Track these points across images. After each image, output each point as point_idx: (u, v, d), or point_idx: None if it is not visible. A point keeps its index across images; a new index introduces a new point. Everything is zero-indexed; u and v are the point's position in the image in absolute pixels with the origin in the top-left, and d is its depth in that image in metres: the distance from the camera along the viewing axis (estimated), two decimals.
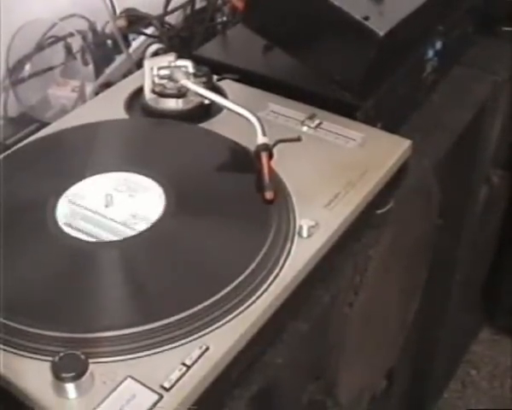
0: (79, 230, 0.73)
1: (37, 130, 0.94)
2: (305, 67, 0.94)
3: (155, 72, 0.92)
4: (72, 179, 0.78)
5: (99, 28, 1.16)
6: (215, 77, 0.96)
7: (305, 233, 0.73)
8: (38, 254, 0.71)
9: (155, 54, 0.96)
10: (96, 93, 1.05)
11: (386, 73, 0.94)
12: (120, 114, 0.93)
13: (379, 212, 0.85)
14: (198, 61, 0.97)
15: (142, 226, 0.73)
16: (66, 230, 0.72)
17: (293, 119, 0.90)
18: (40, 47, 1.09)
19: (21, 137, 1.01)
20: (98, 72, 1.11)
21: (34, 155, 0.85)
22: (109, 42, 1.15)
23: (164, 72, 0.92)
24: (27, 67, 1.09)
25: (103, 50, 1.15)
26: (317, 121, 0.89)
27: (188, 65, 0.92)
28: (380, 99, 0.94)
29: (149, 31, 1.16)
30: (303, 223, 0.73)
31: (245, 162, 0.80)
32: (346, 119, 0.90)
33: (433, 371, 1.56)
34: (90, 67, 1.10)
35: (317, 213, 0.76)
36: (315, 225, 0.74)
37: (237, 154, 0.83)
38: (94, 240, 0.72)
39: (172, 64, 0.92)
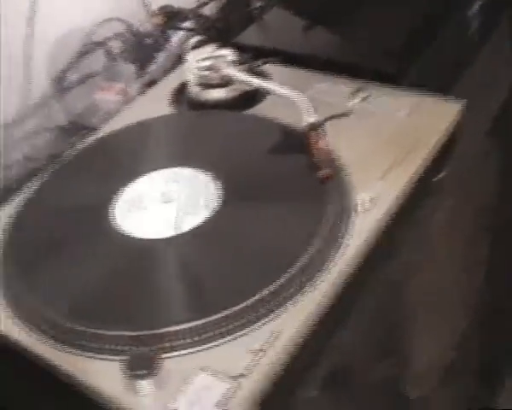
0: (139, 228, 0.73)
1: (87, 136, 0.95)
2: (346, 41, 0.93)
3: (197, 64, 0.92)
4: (126, 180, 0.79)
5: (137, 29, 1.15)
6: (257, 62, 0.95)
7: (363, 208, 0.72)
8: (100, 256, 0.72)
9: (195, 46, 0.96)
10: (141, 93, 1.05)
11: (429, 35, 0.92)
12: (166, 110, 0.93)
13: (435, 179, 0.83)
14: (238, 49, 0.96)
15: (200, 218, 0.72)
16: (126, 230, 0.72)
17: (339, 95, 0.89)
18: (81, 54, 1.10)
19: (72, 145, 1.02)
20: (140, 71, 1.11)
21: (87, 159, 0.85)
22: (148, 41, 1.15)
23: (206, 63, 0.92)
24: (70, 76, 1.09)
25: (143, 50, 1.15)
26: (363, 94, 0.88)
27: (229, 53, 0.92)
28: (425, 63, 0.92)
29: (186, 25, 1.15)
30: (360, 197, 0.73)
31: (297, 143, 0.79)
32: (392, 88, 0.89)
33: (505, 342, 1.53)
34: (132, 67, 1.10)
35: (373, 186, 0.74)
36: (372, 198, 0.73)
37: (288, 136, 0.82)
38: (155, 237, 0.71)
39: (213, 54, 0.92)
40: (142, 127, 0.88)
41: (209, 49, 0.92)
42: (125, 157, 0.84)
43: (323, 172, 0.73)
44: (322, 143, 0.75)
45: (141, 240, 0.72)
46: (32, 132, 1.07)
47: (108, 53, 1.12)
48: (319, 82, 0.92)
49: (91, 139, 0.90)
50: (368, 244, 0.71)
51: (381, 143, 0.80)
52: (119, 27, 1.15)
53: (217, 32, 1.16)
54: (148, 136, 0.87)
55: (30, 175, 0.94)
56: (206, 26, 1.16)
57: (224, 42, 1.03)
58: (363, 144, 0.80)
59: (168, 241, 0.71)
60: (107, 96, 1.09)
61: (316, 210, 0.72)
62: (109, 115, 1.04)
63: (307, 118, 0.77)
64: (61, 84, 1.09)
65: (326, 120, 0.77)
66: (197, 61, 0.92)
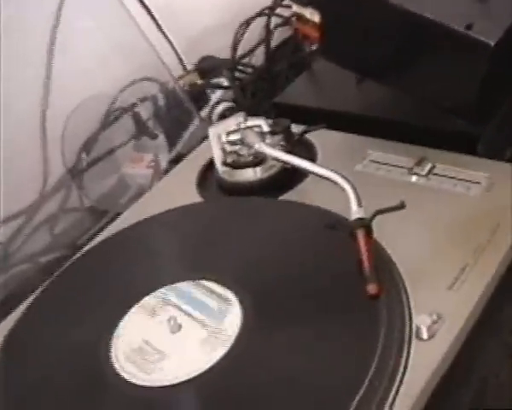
0: (144, 371, 0.57)
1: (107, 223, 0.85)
2: (406, 99, 0.76)
3: (224, 139, 0.76)
4: (130, 301, 0.64)
5: (170, 89, 1.01)
6: (299, 128, 0.79)
7: (424, 334, 0.55)
8: None
9: (223, 115, 0.81)
10: (168, 166, 0.90)
11: (505, 87, 0.74)
12: (193, 194, 0.78)
13: None
14: (281, 110, 0.81)
15: (218, 352, 0.57)
16: (129, 375, 0.57)
17: (398, 167, 0.73)
18: (105, 124, 0.96)
19: (95, 233, 0.89)
20: (174, 138, 0.97)
21: (85, 270, 0.71)
22: (183, 102, 1.00)
23: (234, 137, 0.76)
24: (93, 151, 0.96)
25: (179, 112, 1.00)
26: (428, 166, 0.71)
27: (261, 123, 0.76)
28: (503, 122, 0.74)
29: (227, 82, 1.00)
30: (421, 321, 0.55)
31: (343, 240, 0.62)
32: (464, 156, 0.72)
33: None
34: (163, 136, 0.95)
35: (438, 300, 0.57)
36: (437, 319, 0.56)
37: (333, 229, 0.65)
38: (162, 383, 0.56)
39: (242, 125, 0.76)
40: (154, 225, 0.73)
41: (239, 119, 0.77)
42: (128, 269, 0.68)
43: (372, 287, 0.57)
44: (370, 246, 0.59)
45: (148, 389, 0.56)
46: (52, 218, 0.94)
47: (137, 119, 0.98)
48: (374, 150, 0.76)
49: (102, 237, 0.76)
50: (435, 378, 0.54)
51: (449, 234, 0.63)
52: (150, 89, 1.01)
53: (264, 85, 1.01)
54: (160, 237, 0.71)
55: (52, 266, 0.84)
56: (252, 78, 1.01)
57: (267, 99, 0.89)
58: (426, 238, 0.63)
59: (181, 387, 0.55)
60: (137, 170, 0.96)
61: (364, 336, 0.56)
62: (138, 194, 0.90)
63: (354, 211, 0.61)
64: (82, 161, 0.96)
65: (376, 214, 0.61)
66: (224, 135, 0.76)
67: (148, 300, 0.63)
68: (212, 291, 0.62)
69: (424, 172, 0.71)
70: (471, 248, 0.61)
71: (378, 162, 0.74)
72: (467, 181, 0.69)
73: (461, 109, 0.71)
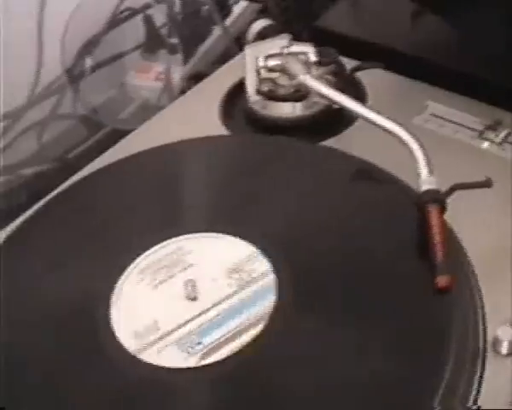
0: (149, 347, 0.46)
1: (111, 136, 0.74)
2: (480, 44, 0.64)
3: (262, 63, 0.64)
4: (133, 251, 0.52)
5: None
6: (350, 63, 0.67)
7: (504, 349, 0.44)
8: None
9: (261, 35, 0.68)
10: (185, 86, 0.78)
11: None
12: (214, 123, 0.65)
13: None
14: (318, 37, 0.69)
15: (248, 335, 0.45)
16: (128, 346, 0.46)
17: (466, 128, 0.61)
18: (111, 25, 0.82)
19: (88, 148, 0.77)
20: (189, 51, 0.84)
21: (72, 207, 0.58)
22: (205, 8, 0.87)
23: (274, 62, 0.64)
24: (95, 55, 0.82)
25: (196, 21, 0.87)
26: (503, 132, 0.60)
27: (308, 51, 0.64)
28: None
29: None
30: (501, 332, 0.44)
31: (405, 211, 0.51)
32: None
33: None
34: (178, 46, 0.82)
35: None
36: None
37: (392, 195, 0.54)
38: (170, 365, 0.45)
39: (286, 50, 0.64)
40: (165, 159, 0.60)
41: (282, 43, 0.64)
42: (131, 210, 0.56)
43: (443, 279, 0.45)
44: (444, 227, 0.47)
45: (152, 368, 0.45)
46: (40, 123, 0.81)
47: (149, 24, 0.84)
48: (436, 102, 0.64)
49: (101, 160, 0.63)
50: None
51: None
52: None
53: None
54: (171, 174, 0.59)
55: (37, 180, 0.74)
56: None
57: (304, 22, 0.76)
58: (499, 225, 0.52)
59: (189, 374, 0.44)
60: (142, 82, 0.83)
61: (428, 344, 0.45)
62: (145, 109, 0.77)
63: (425, 179, 0.49)
64: (84, 64, 0.82)
65: (455, 189, 0.49)
66: (263, 58, 0.64)
67: (152, 256, 0.51)
68: (240, 251, 0.50)
69: (498, 140, 0.59)
70: None
71: (441, 118, 0.62)
72: None
73: None
